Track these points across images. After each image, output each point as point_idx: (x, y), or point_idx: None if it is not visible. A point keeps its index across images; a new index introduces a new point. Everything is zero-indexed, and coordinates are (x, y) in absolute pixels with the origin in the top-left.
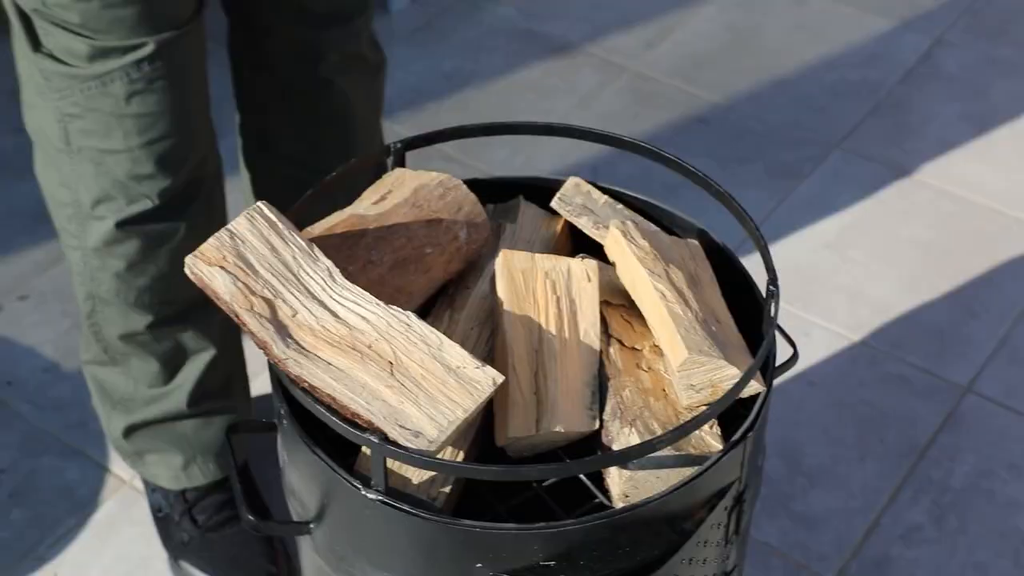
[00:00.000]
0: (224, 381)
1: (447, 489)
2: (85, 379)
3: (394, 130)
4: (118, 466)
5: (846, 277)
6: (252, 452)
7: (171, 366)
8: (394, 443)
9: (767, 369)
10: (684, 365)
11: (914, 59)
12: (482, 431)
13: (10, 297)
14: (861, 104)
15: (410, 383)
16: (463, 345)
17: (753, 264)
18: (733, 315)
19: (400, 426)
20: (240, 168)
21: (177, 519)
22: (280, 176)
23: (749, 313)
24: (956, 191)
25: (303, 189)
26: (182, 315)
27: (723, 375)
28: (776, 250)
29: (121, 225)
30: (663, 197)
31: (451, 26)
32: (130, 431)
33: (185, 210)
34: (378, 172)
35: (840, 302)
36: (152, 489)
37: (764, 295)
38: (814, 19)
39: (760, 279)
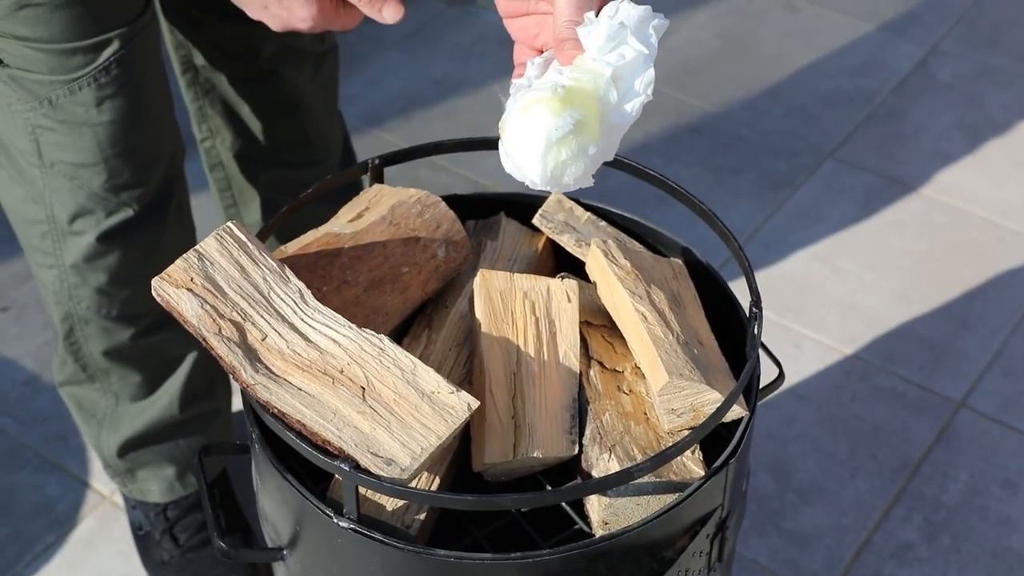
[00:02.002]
0: (208, 381)
1: (422, 516)
2: (63, 399)
3: (383, 138)
4: (98, 481)
5: (838, 289)
6: (235, 464)
7: (155, 375)
8: (366, 471)
9: (750, 393)
10: (665, 389)
11: (908, 68)
12: (459, 454)
13: None
14: (854, 113)
15: (383, 409)
16: (440, 367)
17: (743, 280)
18: (718, 334)
19: (372, 453)
20: (204, 171)
21: (158, 537)
22: (243, 171)
23: (734, 331)
24: (949, 201)
25: (266, 182)
26: (164, 321)
27: (705, 399)
28: (768, 261)
29: (102, 238)
30: (655, 206)
31: (441, 32)
32: (125, 448)
33: (164, 212)
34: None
35: (832, 314)
36: (133, 506)
37: (748, 316)
38: (807, 27)
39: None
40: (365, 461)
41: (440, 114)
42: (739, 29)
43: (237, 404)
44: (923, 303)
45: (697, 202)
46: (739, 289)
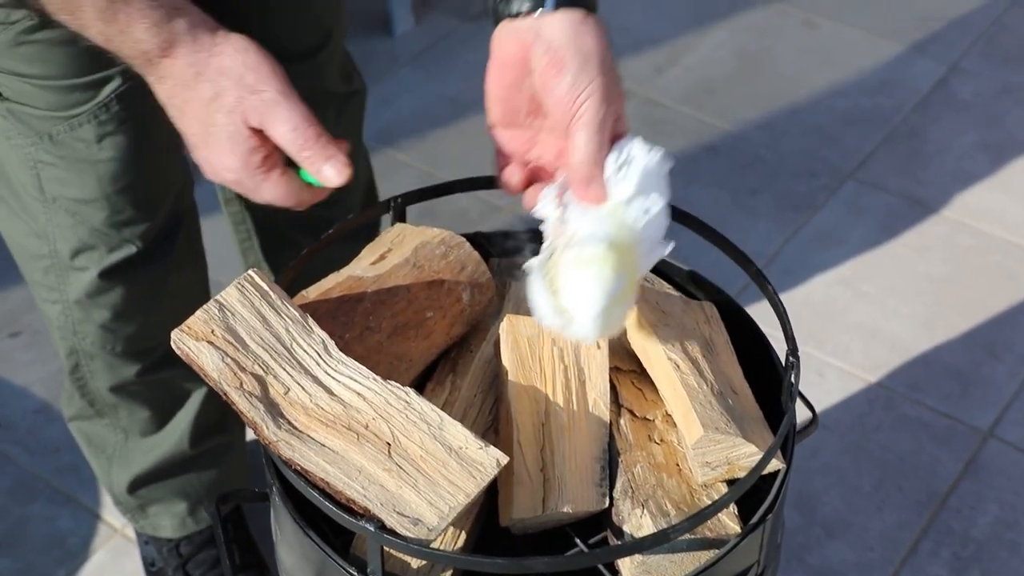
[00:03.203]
0: (219, 415)
1: (448, 574)
2: (72, 434)
3: (397, 158)
4: (110, 514)
5: (861, 314)
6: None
7: (164, 410)
8: (392, 531)
9: (787, 444)
10: (700, 443)
11: (928, 86)
12: (485, 506)
13: (1, 334)
14: (875, 132)
15: (409, 465)
16: (466, 414)
17: (763, 304)
18: (748, 372)
19: (398, 513)
20: (221, 208)
21: (171, 574)
22: (259, 205)
23: (766, 369)
24: (973, 223)
25: (283, 217)
26: (172, 356)
27: (741, 452)
28: (788, 285)
29: (104, 275)
30: (670, 229)
31: (455, 49)
32: (135, 484)
33: (170, 248)
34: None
35: (855, 340)
36: (145, 541)
37: (783, 364)
38: (825, 44)
39: (767, 316)
40: (391, 521)
41: (455, 132)
42: (756, 47)
43: (251, 434)
44: (948, 329)
45: (731, 245)
46: (758, 313)
